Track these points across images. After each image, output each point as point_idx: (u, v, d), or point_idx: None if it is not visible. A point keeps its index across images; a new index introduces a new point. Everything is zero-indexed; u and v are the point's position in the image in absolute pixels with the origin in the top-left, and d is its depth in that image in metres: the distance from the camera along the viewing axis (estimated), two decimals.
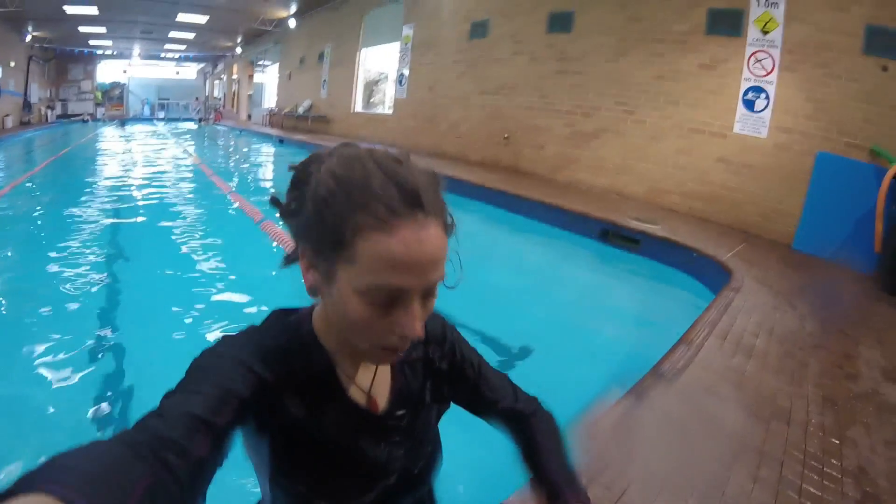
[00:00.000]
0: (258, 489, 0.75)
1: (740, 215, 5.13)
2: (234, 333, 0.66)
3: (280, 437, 0.66)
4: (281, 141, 13.90)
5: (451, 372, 0.82)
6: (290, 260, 0.65)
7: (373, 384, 0.72)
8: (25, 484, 0.38)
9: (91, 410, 2.16)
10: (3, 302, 3.13)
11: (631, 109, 5.98)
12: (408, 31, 10.55)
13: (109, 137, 17.34)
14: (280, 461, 0.67)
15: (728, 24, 5.29)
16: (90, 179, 8.91)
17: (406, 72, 10.49)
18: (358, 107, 13.00)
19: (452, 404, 0.86)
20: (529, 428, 0.87)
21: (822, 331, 2.94)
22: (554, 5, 7.07)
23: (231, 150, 14.51)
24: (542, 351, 2.82)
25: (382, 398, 0.73)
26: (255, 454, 0.69)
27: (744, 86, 5.16)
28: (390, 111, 11.39)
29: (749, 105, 5.14)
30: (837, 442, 1.89)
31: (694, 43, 5.51)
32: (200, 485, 0.50)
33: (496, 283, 3.83)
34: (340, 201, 0.55)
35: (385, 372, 0.75)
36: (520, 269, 4.43)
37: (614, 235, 4.69)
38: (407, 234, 0.54)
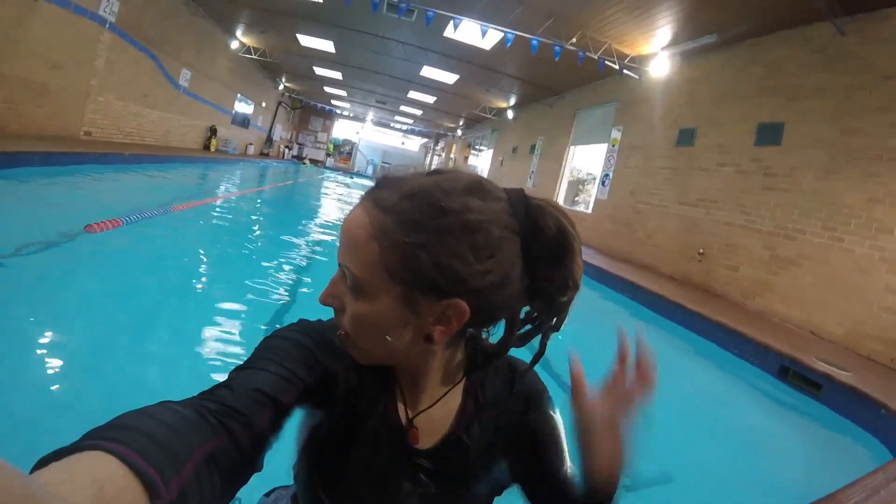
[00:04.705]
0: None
1: None
2: (308, 320, 0.75)
3: (322, 425, 0.72)
4: None
5: (521, 423, 0.80)
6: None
7: (418, 414, 0.75)
8: (88, 441, 0.40)
9: None
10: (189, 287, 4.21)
11: (839, 236, 5.78)
12: (616, 133, 11.54)
13: (332, 181, 22.06)
14: (312, 447, 0.74)
15: None
16: (299, 210, 11.86)
17: (610, 173, 11.41)
18: (559, 200, 14.07)
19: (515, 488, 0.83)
20: None
21: None
22: (765, 115, 7.25)
23: None
24: (681, 480, 2.82)
25: (431, 438, 0.75)
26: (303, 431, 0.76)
27: None
28: (590, 211, 12.30)
29: None
30: None
31: None
32: (258, 457, 0.56)
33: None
34: None
35: (447, 413, 0.76)
36: (681, 389, 4.47)
37: (794, 375, 4.61)
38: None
